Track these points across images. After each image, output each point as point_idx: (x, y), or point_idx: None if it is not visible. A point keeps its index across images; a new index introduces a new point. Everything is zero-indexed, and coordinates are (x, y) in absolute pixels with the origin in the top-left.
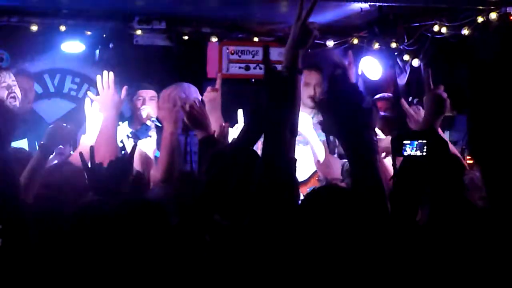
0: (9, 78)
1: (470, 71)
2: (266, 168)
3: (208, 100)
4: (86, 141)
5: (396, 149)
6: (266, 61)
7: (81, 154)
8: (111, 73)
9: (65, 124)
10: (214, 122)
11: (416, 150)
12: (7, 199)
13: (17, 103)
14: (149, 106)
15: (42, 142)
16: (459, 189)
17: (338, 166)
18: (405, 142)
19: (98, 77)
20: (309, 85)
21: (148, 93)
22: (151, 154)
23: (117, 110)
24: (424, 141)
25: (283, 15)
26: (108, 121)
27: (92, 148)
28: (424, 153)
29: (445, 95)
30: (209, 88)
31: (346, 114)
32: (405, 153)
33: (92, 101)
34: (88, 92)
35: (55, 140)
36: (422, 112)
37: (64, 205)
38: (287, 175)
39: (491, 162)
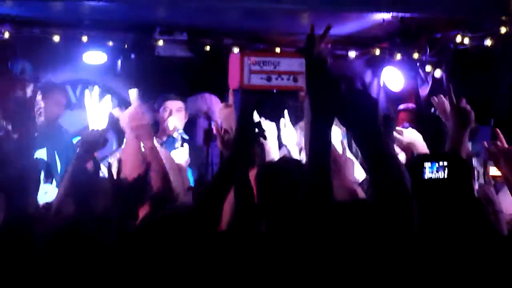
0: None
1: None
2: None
3: (223, 117)
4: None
5: (415, 171)
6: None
7: (109, 165)
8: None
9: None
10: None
11: (436, 173)
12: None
13: (42, 118)
14: (176, 118)
15: (77, 152)
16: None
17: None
18: (425, 164)
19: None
20: None
21: (175, 104)
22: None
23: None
24: (445, 164)
25: (304, 25)
26: (131, 136)
27: (120, 161)
28: (445, 176)
29: (468, 107)
30: (222, 105)
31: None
32: (425, 176)
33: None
34: (115, 110)
35: (91, 147)
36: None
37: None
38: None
39: None
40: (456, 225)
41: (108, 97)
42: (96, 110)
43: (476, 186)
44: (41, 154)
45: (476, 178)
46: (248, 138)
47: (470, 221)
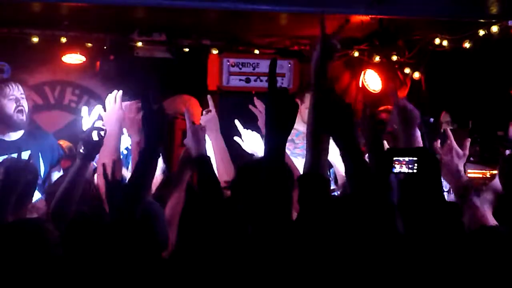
0: (18, 91)
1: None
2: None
3: (205, 121)
4: None
5: (386, 165)
6: (272, 76)
7: (104, 166)
8: (120, 91)
9: (100, 127)
10: (214, 140)
11: (406, 167)
12: None
13: (24, 117)
14: None
15: (80, 151)
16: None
17: None
18: (394, 158)
19: (109, 96)
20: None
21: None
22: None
23: (121, 125)
24: (415, 158)
25: (283, 27)
26: (110, 135)
27: (115, 163)
28: (415, 171)
29: (410, 106)
30: (204, 111)
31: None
32: (395, 170)
33: (89, 111)
34: (98, 107)
35: (93, 147)
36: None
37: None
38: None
39: None
40: (427, 222)
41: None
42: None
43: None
44: (25, 156)
45: None
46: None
47: (440, 218)
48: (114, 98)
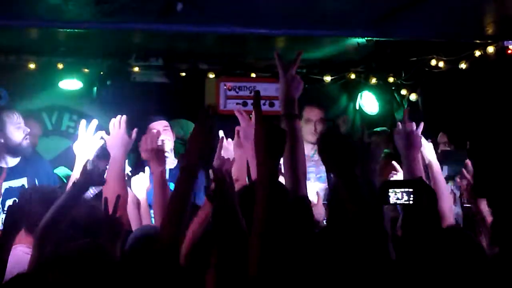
0: (19, 119)
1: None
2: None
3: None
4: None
5: (381, 197)
6: (258, 106)
7: (105, 200)
8: (124, 116)
9: (96, 163)
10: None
11: (402, 199)
12: None
13: (29, 145)
14: (167, 137)
15: (76, 180)
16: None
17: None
18: (390, 190)
19: (113, 120)
20: (310, 121)
21: (160, 124)
22: (143, 192)
23: (126, 150)
24: (411, 190)
25: (279, 50)
26: (115, 160)
27: (118, 198)
28: (411, 202)
29: (417, 131)
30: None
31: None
32: (390, 201)
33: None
34: (101, 132)
35: (90, 179)
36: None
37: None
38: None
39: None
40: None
41: (101, 133)
42: (88, 141)
43: (458, 210)
44: (22, 183)
45: (454, 200)
46: None
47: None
48: (119, 123)
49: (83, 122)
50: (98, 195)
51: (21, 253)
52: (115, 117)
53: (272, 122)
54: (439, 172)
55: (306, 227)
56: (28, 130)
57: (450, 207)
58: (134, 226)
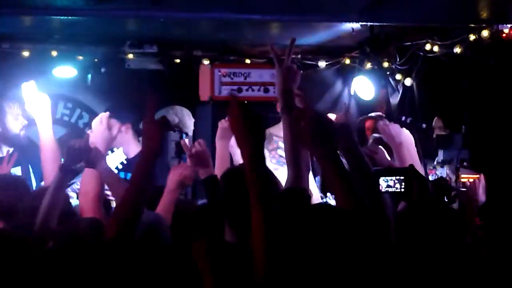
0: (18, 109)
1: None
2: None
3: (221, 127)
4: None
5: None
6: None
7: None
8: (107, 113)
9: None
10: (223, 148)
11: (393, 186)
12: None
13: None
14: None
15: (61, 163)
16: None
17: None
18: (381, 178)
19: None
20: None
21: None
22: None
23: (106, 146)
24: (402, 177)
25: (274, 36)
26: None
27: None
28: (402, 189)
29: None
30: (223, 121)
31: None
32: (381, 188)
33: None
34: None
35: (74, 158)
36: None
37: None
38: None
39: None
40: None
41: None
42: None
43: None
44: (16, 171)
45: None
46: None
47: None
48: (100, 119)
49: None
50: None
51: None
52: (108, 104)
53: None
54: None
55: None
56: (26, 122)
57: None
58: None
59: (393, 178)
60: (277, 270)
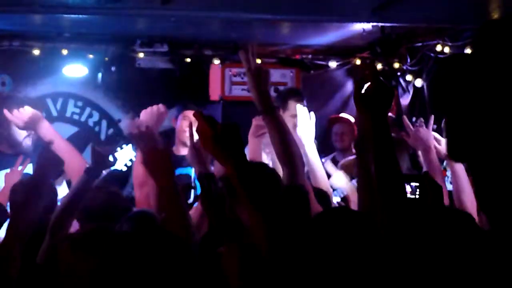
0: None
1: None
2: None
3: (255, 124)
4: None
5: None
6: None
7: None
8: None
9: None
10: (256, 145)
11: (408, 193)
12: None
13: (30, 143)
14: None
15: (88, 166)
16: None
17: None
18: None
19: None
20: (295, 117)
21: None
22: None
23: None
24: (417, 184)
25: (284, 36)
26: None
27: None
28: (417, 196)
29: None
30: (257, 117)
31: None
32: None
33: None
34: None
35: (101, 164)
36: (424, 131)
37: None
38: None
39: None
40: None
41: None
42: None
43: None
44: (29, 169)
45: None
46: None
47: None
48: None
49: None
50: (107, 179)
51: None
52: (118, 103)
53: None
54: (460, 166)
55: (302, 215)
56: (33, 131)
57: (472, 201)
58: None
59: (408, 184)
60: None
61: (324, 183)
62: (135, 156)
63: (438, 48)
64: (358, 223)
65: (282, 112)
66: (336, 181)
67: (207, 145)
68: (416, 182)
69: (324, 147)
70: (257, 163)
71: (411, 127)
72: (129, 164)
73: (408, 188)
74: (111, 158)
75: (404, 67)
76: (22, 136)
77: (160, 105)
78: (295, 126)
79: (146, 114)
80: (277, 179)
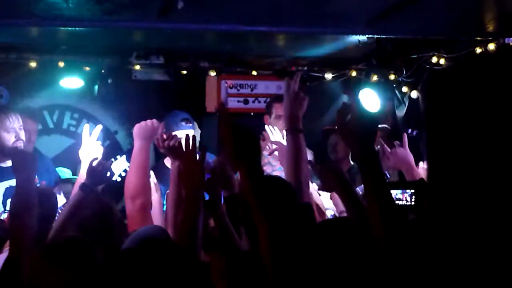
0: (18, 123)
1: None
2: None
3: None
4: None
5: None
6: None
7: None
8: (100, 126)
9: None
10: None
11: (402, 200)
12: None
13: (22, 145)
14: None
15: (83, 182)
16: None
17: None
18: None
19: (85, 126)
20: (281, 117)
21: (185, 134)
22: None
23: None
24: (412, 191)
25: (280, 48)
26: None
27: None
28: (412, 203)
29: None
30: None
31: None
32: None
33: (90, 130)
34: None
35: (96, 179)
36: (401, 151)
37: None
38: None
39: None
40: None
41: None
42: (93, 146)
43: None
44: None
45: None
46: None
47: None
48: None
49: (86, 126)
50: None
51: None
52: (114, 115)
53: (238, 121)
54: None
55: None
56: (21, 135)
57: None
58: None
59: (403, 191)
60: (285, 280)
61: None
62: (128, 167)
63: (434, 59)
64: (359, 233)
65: (269, 117)
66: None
67: (227, 149)
68: (411, 189)
69: (320, 159)
70: (273, 177)
71: (389, 150)
72: (123, 175)
73: (403, 196)
74: (108, 174)
75: (400, 79)
76: (10, 141)
77: (154, 120)
78: (281, 126)
79: (140, 128)
80: (292, 192)
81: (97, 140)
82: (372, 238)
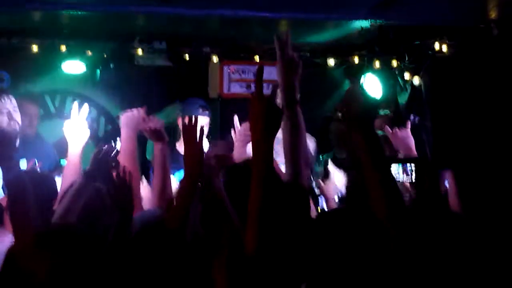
0: (10, 104)
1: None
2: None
3: (244, 132)
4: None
5: None
6: (259, 82)
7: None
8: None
9: (105, 147)
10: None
11: (403, 176)
12: None
13: (17, 128)
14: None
15: (86, 169)
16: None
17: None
18: (392, 166)
19: (75, 104)
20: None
21: (203, 121)
22: None
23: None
24: (412, 166)
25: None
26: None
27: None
28: (413, 180)
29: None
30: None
31: None
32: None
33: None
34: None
35: (99, 166)
36: (401, 132)
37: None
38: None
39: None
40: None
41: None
42: (80, 124)
43: None
44: (22, 164)
45: None
46: None
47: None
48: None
49: (75, 104)
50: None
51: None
52: (116, 100)
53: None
54: None
55: (303, 215)
56: (16, 116)
57: None
58: None
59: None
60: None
61: None
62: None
63: (436, 46)
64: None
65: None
66: (336, 181)
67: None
68: (411, 163)
69: (322, 146)
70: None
71: (391, 130)
72: None
73: (403, 171)
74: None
75: (402, 65)
76: (4, 122)
77: (140, 109)
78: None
79: (127, 118)
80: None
81: (85, 120)
82: (372, 230)
